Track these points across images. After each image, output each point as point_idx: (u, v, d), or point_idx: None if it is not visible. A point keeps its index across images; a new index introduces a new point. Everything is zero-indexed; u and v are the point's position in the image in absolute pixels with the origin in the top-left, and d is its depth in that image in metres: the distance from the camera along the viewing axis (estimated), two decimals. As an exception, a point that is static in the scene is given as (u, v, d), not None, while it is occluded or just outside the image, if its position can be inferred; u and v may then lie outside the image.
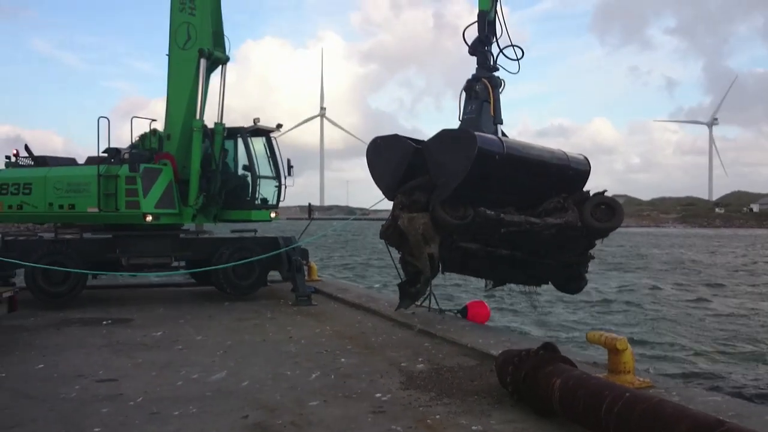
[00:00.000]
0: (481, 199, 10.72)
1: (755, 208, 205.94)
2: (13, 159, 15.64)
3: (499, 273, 12.41)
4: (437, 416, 6.69)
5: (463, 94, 11.70)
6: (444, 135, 10.83)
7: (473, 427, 6.35)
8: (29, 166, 15.62)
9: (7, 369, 8.67)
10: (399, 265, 12.17)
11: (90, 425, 6.37)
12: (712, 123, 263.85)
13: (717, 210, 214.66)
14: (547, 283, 12.36)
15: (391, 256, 12.18)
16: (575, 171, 11.63)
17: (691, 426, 4.88)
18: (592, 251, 11.81)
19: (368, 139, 12.31)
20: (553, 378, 6.45)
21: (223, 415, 6.72)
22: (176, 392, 7.58)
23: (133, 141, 15.78)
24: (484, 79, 11.59)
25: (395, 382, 8.07)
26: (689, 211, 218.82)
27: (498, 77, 11.85)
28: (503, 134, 11.67)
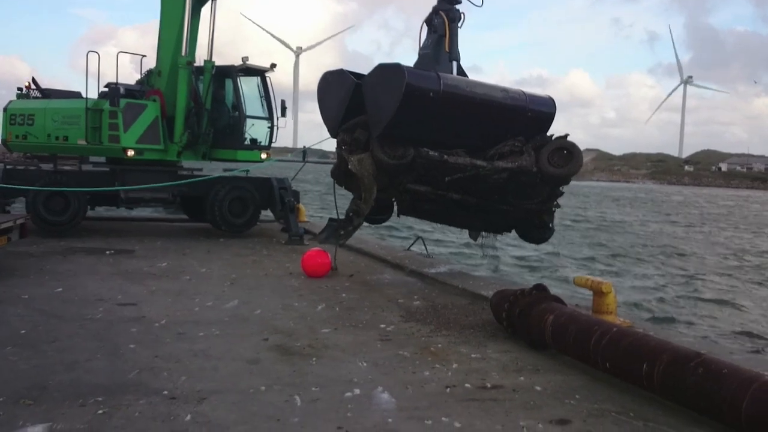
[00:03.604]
0: (426, 139, 10.16)
1: (723, 167, 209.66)
2: (25, 91, 15.94)
3: (454, 218, 11.94)
4: (439, 345, 7.39)
5: (425, 26, 10.93)
6: (377, 70, 10.14)
7: (472, 355, 7.06)
8: (38, 98, 15.90)
9: (29, 291, 9.15)
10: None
11: (124, 342, 6.95)
12: (686, 81, 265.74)
13: (686, 167, 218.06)
14: (510, 231, 11.89)
15: (335, 197, 11.91)
16: (535, 112, 10.69)
17: (672, 356, 5.60)
18: (557, 200, 11.05)
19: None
20: (546, 314, 7.14)
21: (245, 337, 7.35)
22: (196, 317, 8.18)
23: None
24: (441, 12, 10.72)
25: (396, 315, 8.74)
26: (659, 167, 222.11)
27: (458, 10, 10.89)
28: (461, 71, 10.91)
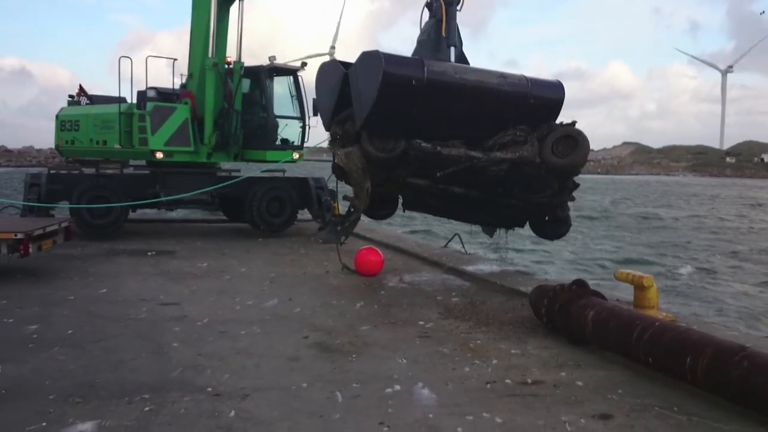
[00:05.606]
0: (418, 130, 9.62)
1: (766, 158, 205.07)
2: (75, 98, 16.40)
3: (458, 213, 11.55)
4: (478, 341, 7.39)
5: (425, 11, 10.28)
6: (360, 58, 9.54)
7: (512, 351, 7.04)
8: (86, 104, 16.32)
9: (74, 293, 9.37)
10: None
11: (168, 341, 7.08)
12: (726, 71, 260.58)
13: (728, 159, 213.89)
14: (522, 227, 11.50)
15: (337, 191, 11.61)
16: (539, 99, 10.02)
17: (716, 350, 5.52)
18: (573, 193, 10.48)
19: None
20: (586, 309, 7.08)
21: (285, 335, 7.44)
22: (237, 315, 8.30)
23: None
24: None
25: (434, 312, 8.74)
26: (700, 159, 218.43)
27: None
28: (462, 57, 10.32)
